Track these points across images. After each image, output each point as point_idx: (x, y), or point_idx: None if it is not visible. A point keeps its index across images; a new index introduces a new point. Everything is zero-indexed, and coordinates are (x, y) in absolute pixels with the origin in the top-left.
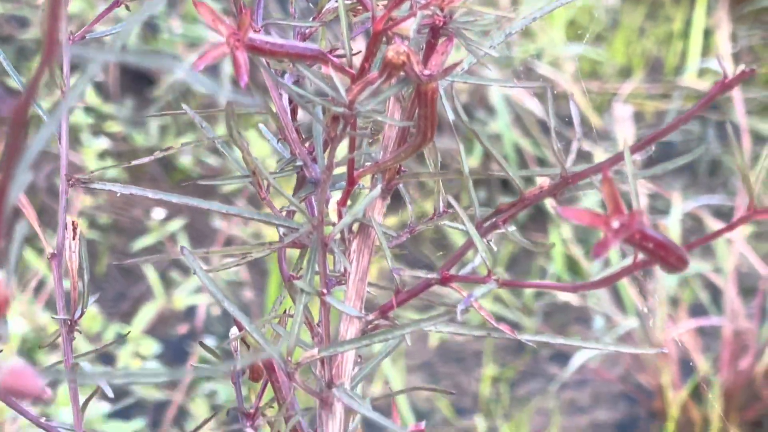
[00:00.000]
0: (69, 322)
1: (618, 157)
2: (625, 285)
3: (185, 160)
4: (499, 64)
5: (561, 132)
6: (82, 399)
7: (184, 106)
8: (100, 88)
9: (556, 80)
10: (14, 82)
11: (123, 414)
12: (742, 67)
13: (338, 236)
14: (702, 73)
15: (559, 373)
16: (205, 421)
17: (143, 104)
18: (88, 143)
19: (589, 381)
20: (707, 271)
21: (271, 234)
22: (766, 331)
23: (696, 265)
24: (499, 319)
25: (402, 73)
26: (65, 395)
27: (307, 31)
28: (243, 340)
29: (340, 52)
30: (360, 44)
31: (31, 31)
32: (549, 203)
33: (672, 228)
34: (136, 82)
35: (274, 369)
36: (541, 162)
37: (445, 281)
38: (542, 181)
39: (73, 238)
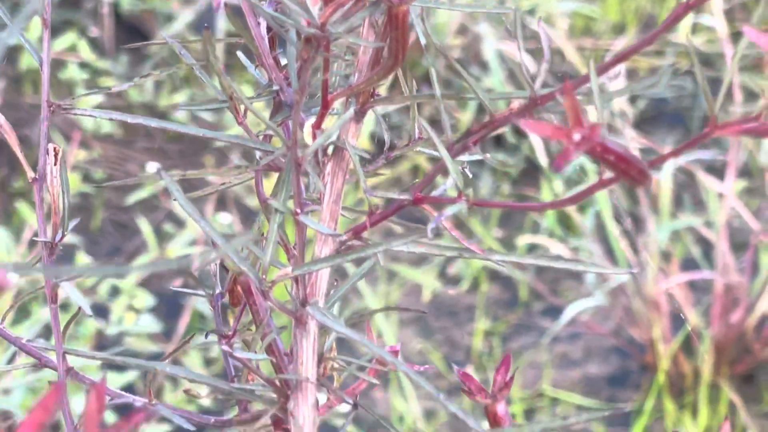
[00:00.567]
0: (50, 245)
1: (584, 79)
2: (617, 239)
3: (180, 116)
4: (492, 20)
5: (549, 83)
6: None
7: (164, 35)
8: (95, 44)
9: (550, 36)
10: None
11: (116, 365)
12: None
13: (313, 159)
14: (695, 29)
15: (551, 327)
16: (184, 343)
17: (138, 60)
18: (82, 98)
19: (580, 335)
20: (699, 225)
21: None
22: (757, 286)
23: (688, 219)
24: (492, 273)
25: None
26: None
27: None
28: (222, 265)
29: None
30: None
31: None
32: (538, 151)
33: (664, 182)
34: (131, 38)
35: (251, 291)
36: None
37: (417, 202)
38: (512, 104)
39: (55, 164)
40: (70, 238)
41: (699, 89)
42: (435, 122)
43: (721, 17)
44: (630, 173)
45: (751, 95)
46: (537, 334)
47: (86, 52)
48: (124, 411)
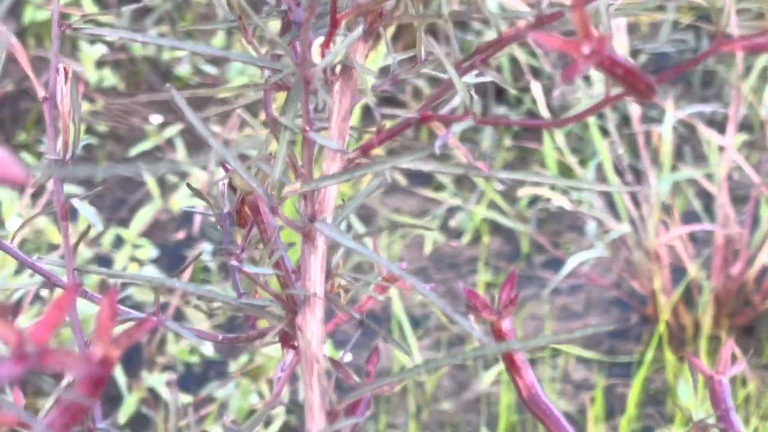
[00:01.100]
0: (60, 162)
1: None
2: (619, 192)
3: (183, 69)
4: None
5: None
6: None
7: None
8: None
9: None
10: None
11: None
12: None
13: (321, 78)
14: None
15: (553, 279)
16: (188, 263)
17: (141, 13)
18: (86, 51)
19: (581, 287)
20: (700, 178)
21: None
22: (757, 238)
23: (688, 172)
24: (493, 226)
25: None
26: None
27: None
28: (230, 185)
29: None
30: None
31: None
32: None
33: (665, 135)
34: None
35: (259, 210)
36: (536, 72)
37: (424, 120)
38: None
39: (65, 83)
40: (74, 189)
41: (701, 44)
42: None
43: None
44: (638, 87)
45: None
46: (538, 286)
47: (89, 6)
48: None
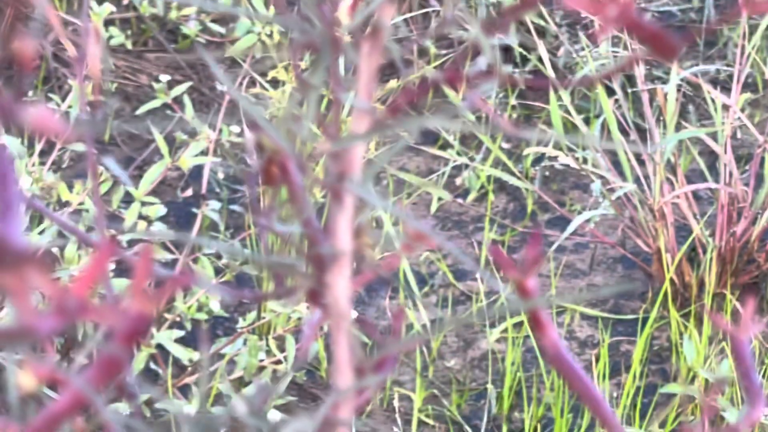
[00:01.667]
0: (91, 120)
1: None
2: (624, 150)
3: (191, 28)
4: None
5: None
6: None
7: None
8: None
9: None
10: None
11: (128, 274)
12: None
13: (349, 39)
14: None
15: (558, 236)
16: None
17: None
18: (95, 9)
19: (587, 245)
20: (704, 136)
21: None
22: (761, 197)
23: (693, 130)
24: (499, 184)
25: None
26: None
27: None
28: (258, 145)
29: None
30: None
31: None
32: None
33: (670, 94)
34: None
35: (287, 170)
36: (540, 32)
37: (450, 80)
38: None
39: (96, 43)
40: (81, 147)
41: (706, 3)
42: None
43: None
44: (662, 49)
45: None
46: (543, 244)
47: None
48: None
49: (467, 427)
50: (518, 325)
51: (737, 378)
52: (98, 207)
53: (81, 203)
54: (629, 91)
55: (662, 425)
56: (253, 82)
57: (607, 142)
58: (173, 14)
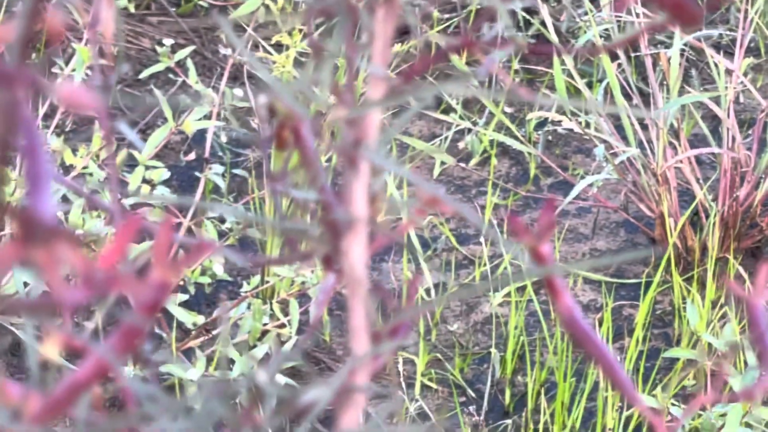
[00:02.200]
0: (106, 85)
1: None
2: (627, 115)
3: None
4: None
5: None
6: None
7: None
8: None
9: None
10: None
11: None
12: None
13: (365, 4)
14: None
15: (561, 201)
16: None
17: None
18: None
19: (590, 209)
20: (707, 100)
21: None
22: (764, 161)
23: (696, 95)
24: (502, 148)
25: None
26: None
27: None
28: (270, 109)
29: None
30: None
31: None
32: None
33: (673, 58)
34: None
35: (300, 134)
36: None
37: (466, 46)
38: None
39: (109, 7)
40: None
41: None
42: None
43: None
44: (683, 16)
45: None
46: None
47: None
48: None
49: (470, 391)
50: (521, 289)
51: (749, 343)
52: (113, 173)
53: (85, 167)
54: (632, 55)
55: (664, 389)
56: (256, 46)
57: (610, 106)
58: None
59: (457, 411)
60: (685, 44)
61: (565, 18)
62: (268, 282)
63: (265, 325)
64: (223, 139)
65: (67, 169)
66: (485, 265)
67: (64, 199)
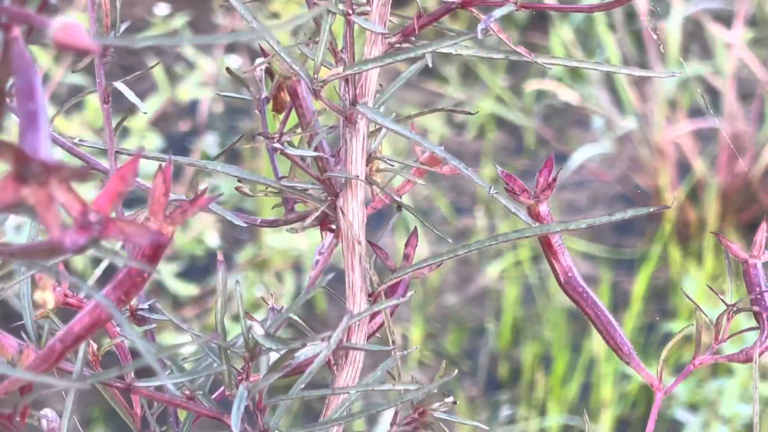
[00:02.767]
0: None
1: None
2: (624, 86)
3: None
4: None
5: None
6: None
7: None
8: None
9: None
10: None
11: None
12: None
13: None
14: None
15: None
16: (235, 142)
17: None
18: None
19: (587, 182)
20: (707, 73)
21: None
22: (763, 135)
23: (695, 67)
24: (499, 120)
25: None
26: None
27: None
28: (267, 70)
29: None
30: None
31: None
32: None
33: (672, 31)
34: None
35: (298, 95)
36: None
37: (465, 5)
38: None
39: None
40: (78, 79)
41: None
42: None
43: None
44: None
45: None
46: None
47: None
48: None
49: (465, 365)
50: (518, 264)
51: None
52: (108, 133)
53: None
54: (631, 28)
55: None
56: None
57: (608, 78)
58: None
59: (453, 384)
60: (685, 16)
61: None
62: (261, 254)
63: (258, 296)
64: (218, 108)
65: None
66: (481, 237)
67: None
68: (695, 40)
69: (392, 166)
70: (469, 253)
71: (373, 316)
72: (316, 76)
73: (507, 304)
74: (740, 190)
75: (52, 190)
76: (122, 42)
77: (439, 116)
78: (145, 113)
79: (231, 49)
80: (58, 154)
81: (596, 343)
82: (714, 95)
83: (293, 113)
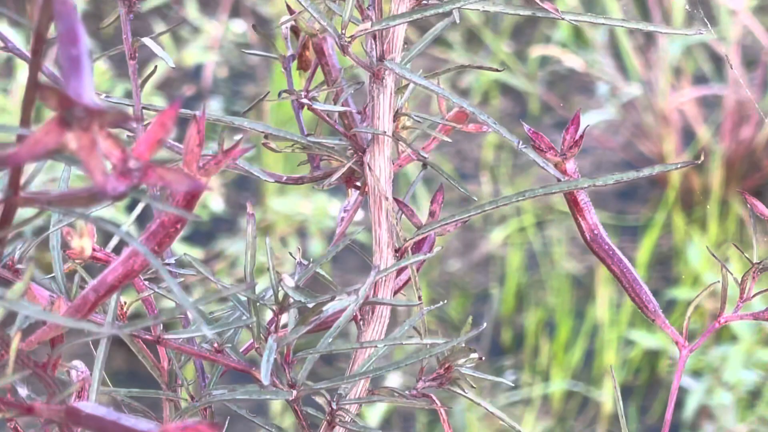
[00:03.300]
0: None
1: None
2: (629, 52)
3: None
4: None
5: None
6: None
7: None
8: None
9: None
10: None
11: None
12: None
13: None
14: None
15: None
16: (260, 100)
17: None
18: None
19: (590, 149)
20: (711, 40)
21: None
22: (767, 102)
23: (700, 35)
24: (503, 87)
25: None
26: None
27: None
28: (293, 28)
29: None
30: None
31: None
32: None
33: None
34: None
35: (323, 52)
36: None
37: None
38: None
39: None
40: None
41: None
42: None
43: None
44: None
45: None
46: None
47: None
48: None
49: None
50: (522, 230)
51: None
52: (135, 89)
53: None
54: None
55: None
56: None
57: (613, 45)
58: None
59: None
60: None
61: None
62: (267, 218)
63: (263, 261)
64: (223, 73)
65: None
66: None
67: None
68: (700, 6)
69: (419, 122)
70: (473, 219)
71: (398, 273)
72: (343, 31)
73: (511, 270)
74: (744, 158)
75: (94, 135)
76: None
77: (443, 82)
78: (173, 67)
79: (235, 12)
80: None
81: (599, 310)
82: (718, 62)
83: (318, 72)
